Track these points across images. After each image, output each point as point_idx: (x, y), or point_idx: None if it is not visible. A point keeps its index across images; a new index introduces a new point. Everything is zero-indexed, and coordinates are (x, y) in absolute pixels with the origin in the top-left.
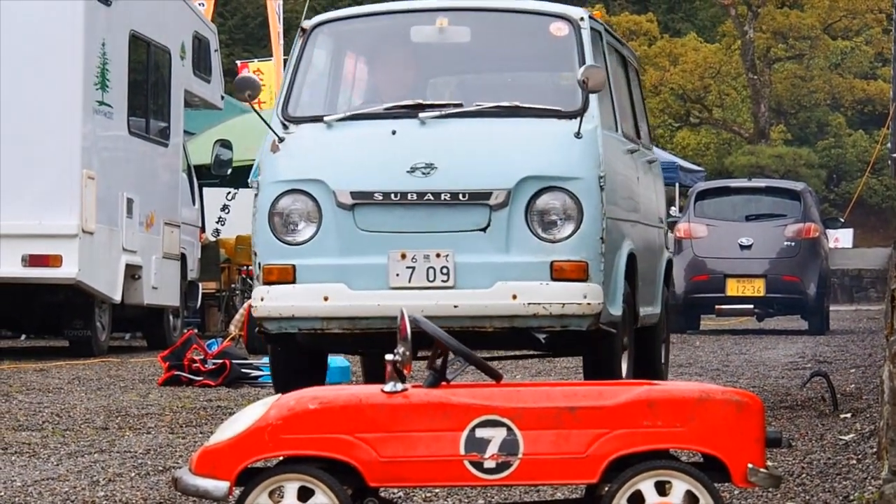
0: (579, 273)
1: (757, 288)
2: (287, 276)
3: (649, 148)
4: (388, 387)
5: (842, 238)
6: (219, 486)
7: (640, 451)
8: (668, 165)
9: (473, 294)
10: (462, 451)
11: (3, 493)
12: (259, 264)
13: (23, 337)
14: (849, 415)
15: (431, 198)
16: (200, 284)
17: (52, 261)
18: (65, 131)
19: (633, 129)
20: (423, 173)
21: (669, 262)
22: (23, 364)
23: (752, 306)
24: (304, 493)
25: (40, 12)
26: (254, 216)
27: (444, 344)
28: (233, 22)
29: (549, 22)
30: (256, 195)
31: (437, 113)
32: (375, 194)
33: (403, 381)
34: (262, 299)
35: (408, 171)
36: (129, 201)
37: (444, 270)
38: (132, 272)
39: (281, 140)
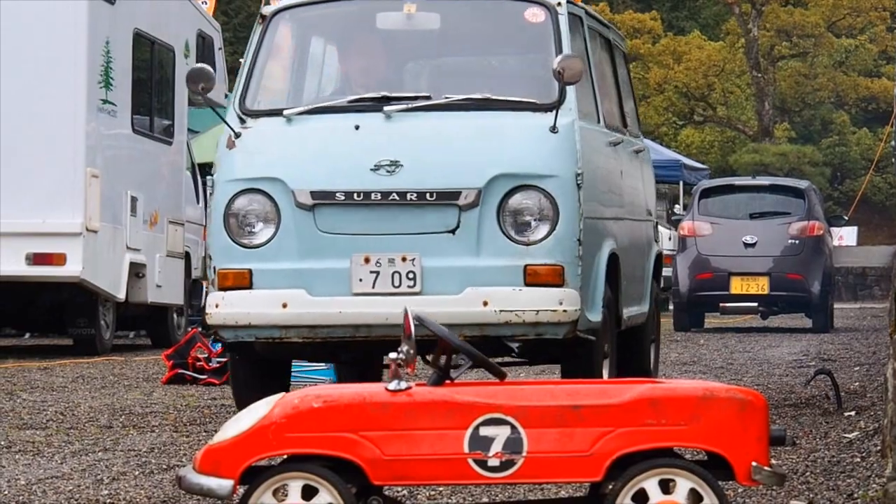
0: (554, 277)
1: (761, 286)
2: (243, 281)
3: (637, 136)
4: (392, 385)
5: (846, 236)
6: (223, 484)
7: (643, 449)
8: (671, 163)
9: (442, 301)
10: (466, 450)
11: (7, 492)
12: (214, 268)
13: (27, 335)
14: (853, 413)
15: (397, 198)
16: (205, 283)
17: (55, 259)
18: (68, 130)
19: (618, 117)
20: (388, 171)
21: (659, 257)
22: (27, 362)
23: (756, 304)
24: (308, 492)
25: (44, 11)
26: (209, 217)
27: (448, 342)
28: (237, 20)
29: (524, 7)
30: (211, 195)
31: (403, 106)
32: (337, 194)
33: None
34: (216, 306)
35: (372, 169)
36: (133, 199)
37: (411, 275)
38: (136, 270)
39: (237, 136)
